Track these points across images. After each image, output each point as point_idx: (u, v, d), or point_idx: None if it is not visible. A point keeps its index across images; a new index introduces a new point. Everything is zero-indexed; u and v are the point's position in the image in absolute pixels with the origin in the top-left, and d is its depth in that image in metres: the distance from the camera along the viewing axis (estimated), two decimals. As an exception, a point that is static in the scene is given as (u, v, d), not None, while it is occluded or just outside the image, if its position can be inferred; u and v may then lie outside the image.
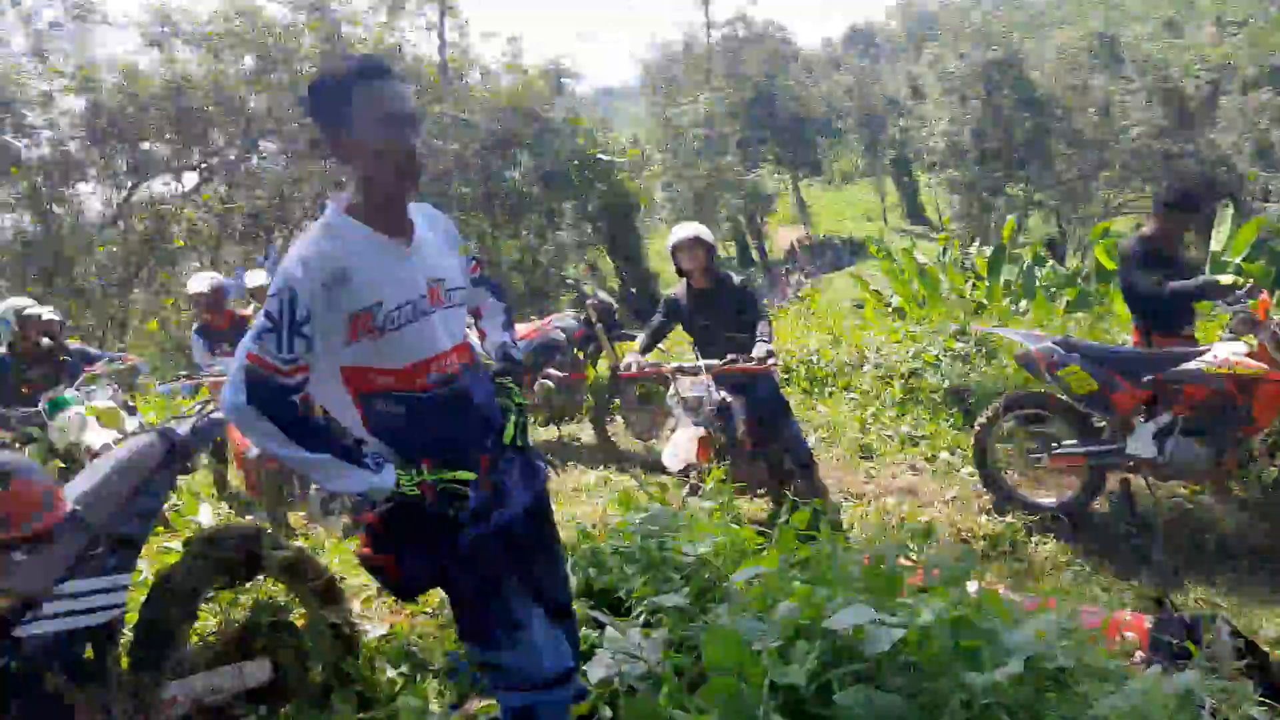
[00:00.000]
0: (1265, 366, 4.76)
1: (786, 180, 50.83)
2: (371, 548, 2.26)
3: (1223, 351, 4.93)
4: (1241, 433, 4.95)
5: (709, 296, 5.40)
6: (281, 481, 5.61)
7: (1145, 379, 5.10)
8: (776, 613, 2.41)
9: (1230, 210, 11.18)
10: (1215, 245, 10.91)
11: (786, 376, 8.38)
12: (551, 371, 7.48)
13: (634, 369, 5.44)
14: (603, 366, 8.03)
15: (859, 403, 7.48)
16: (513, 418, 2.42)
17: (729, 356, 5.10)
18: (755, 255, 42.74)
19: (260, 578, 3.09)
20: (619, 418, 7.45)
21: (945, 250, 14.57)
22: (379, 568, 2.28)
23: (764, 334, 5.17)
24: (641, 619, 3.11)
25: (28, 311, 6.38)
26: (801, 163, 51.52)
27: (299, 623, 3.13)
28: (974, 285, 11.28)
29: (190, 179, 23.25)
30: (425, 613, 3.68)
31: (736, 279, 5.51)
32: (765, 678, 2.09)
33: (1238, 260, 10.03)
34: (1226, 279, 5.00)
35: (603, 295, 7.93)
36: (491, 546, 2.27)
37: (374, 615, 3.71)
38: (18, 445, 5.63)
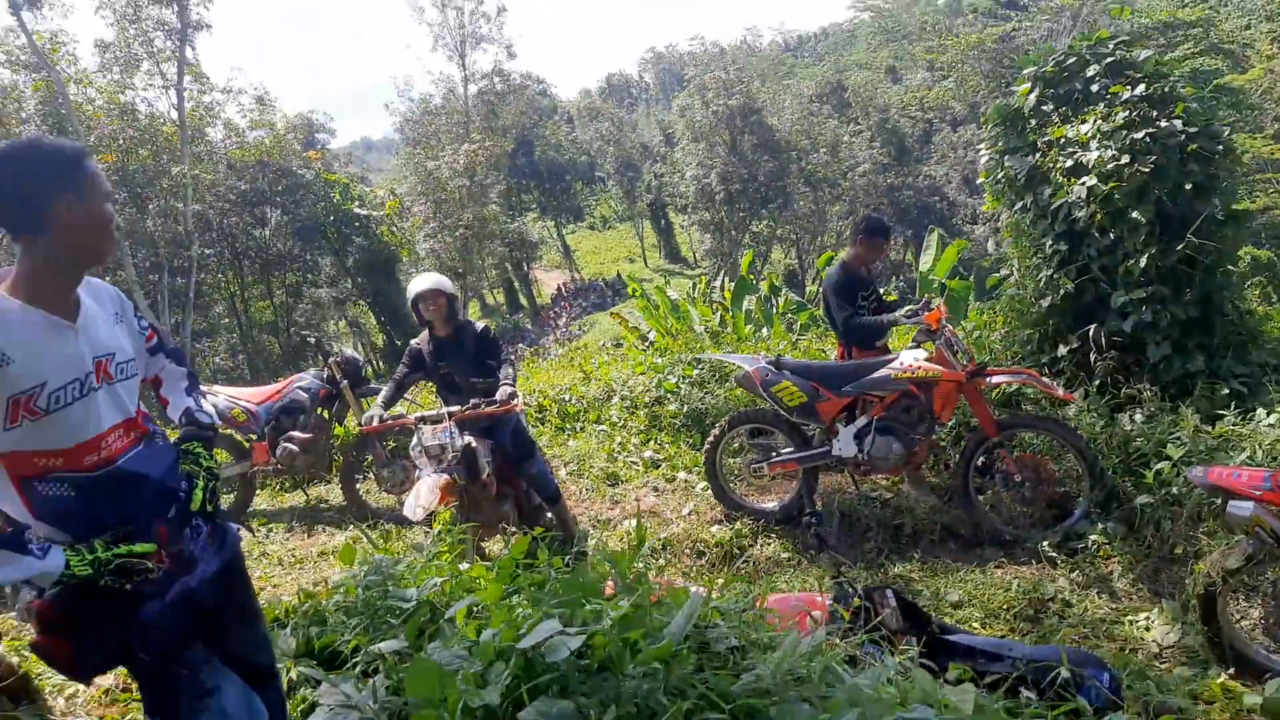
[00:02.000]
0: (940, 369, 5.42)
1: (550, 226, 51.73)
2: (45, 633, 2.13)
3: (906, 359, 5.57)
4: (927, 428, 5.60)
5: (451, 344, 5.48)
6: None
7: (844, 388, 5.68)
8: (483, 639, 2.55)
9: (936, 235, 12.56)
10: (923, 265, 12.25)
11: (540, 415, 8.56)
12: (294, 434, 7.26)
13: (375, 422, 5.42)
14: (349, 424, 7.90)
15: (607, 434, 7.77)
16: (200, 483, 2.39)
17: (472, 402, 5.20)
18: (524, 300, 43.10)
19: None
20: (371, 475, 7.34)
21: (695, 285, 15.42)
22: (48, 651, 2.16)
23: (507, 377, 5.30)
24: (358, 669, 3.11)
25: None
26: (564, 209, 52.72)
27: None
28: (721, 317, 11.97)
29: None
30: (137, 700, 3.49)
31: (479, 325, 5.62)
32: (460, 702, 2.19)
33: (943, 278, 11.29)
34: (904, 313, 5.65)
35: (348, 351, 7.77)
36: (175, 616, 2.22)
37: (80, 710, 3.49)
38: None
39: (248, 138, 24.57)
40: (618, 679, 2.24)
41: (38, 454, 2.05)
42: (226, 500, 7.58)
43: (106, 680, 3.41)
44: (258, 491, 7.81)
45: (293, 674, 3.10)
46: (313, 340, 8.76)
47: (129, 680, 3.45)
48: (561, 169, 52.72)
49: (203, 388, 7.73)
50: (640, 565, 3.48)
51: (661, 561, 5.33)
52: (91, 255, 2.14)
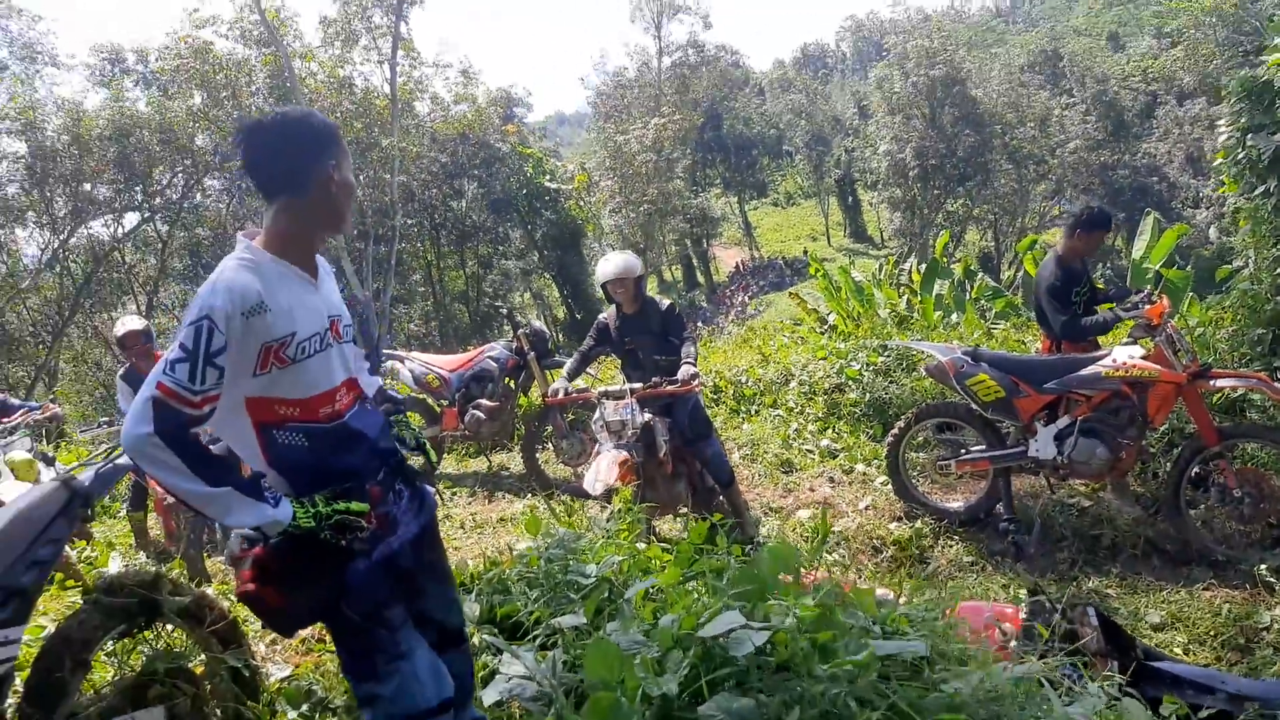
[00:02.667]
0: (1159, 368, 4.96)
1: (733, 202, 51.38)
2: (257, 581, 2.19)
3: (1120, 355, 5.13)
4: (1137, 432, 5.15)
5: (637, 321, 5.51)
6: (201, 526, 5.61)
7: (1047, 385, 5.30)
8: (661, 624, 2.54)
9: (1152, 218, 11.56)
10: (1136, 253, 11.30)
11: (716, 396, 8.50)
12: (482, 402, 7.54)
13: (560, 395, 5.55)
14: (534, 395, 8.11)
15: (783, 419, 7.62)
16: (425, 445, 2.62)
17: (654, 380, 5.21)
18: (701, 277, 43.10)
19: (161, 624, 3.06)
20: (550, 445, 7.53)
21: (881, 266, 14.88)
22: (260, 600, 2.23)
23: (689, 356, 5.27)
24: (538, 641, 3.16)
25: None
26: (748, 184, 52.17)
27: (198, 669, 3.10)
28: (908, 300, 11.50)
29: (131, 219, 23.04)
30: (331, 651, 3.69)
31: (664, 302, 5.60)
32: (640, 688, 2.17)
33: (1157, 267, 10.38)
34: (1124, 306, 5.22)
35: (535, 323, 7.98)
36: (379, 576, 2.31)
37: (278, 657, 3.73)
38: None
39: (451, 111, 25.68)
40: (801, 680, 2.16)
41: (280, 402, 2.17)
42: (416, 462, 7.98)
43: (304, 631, 3.62)
44: (444, 456, 8.18)
45: (475, 640, 3.18)
46: (504, 311, 9.03)
47: (324, 632, 3.66)
48: (749, 143, 52.19)
49: (400, 353, 8.15)
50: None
51: (835, 556, 5.17)
52: (338, 219, 2.30)
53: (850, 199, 51.00)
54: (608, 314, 5.70)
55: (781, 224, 55.03)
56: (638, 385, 5.24)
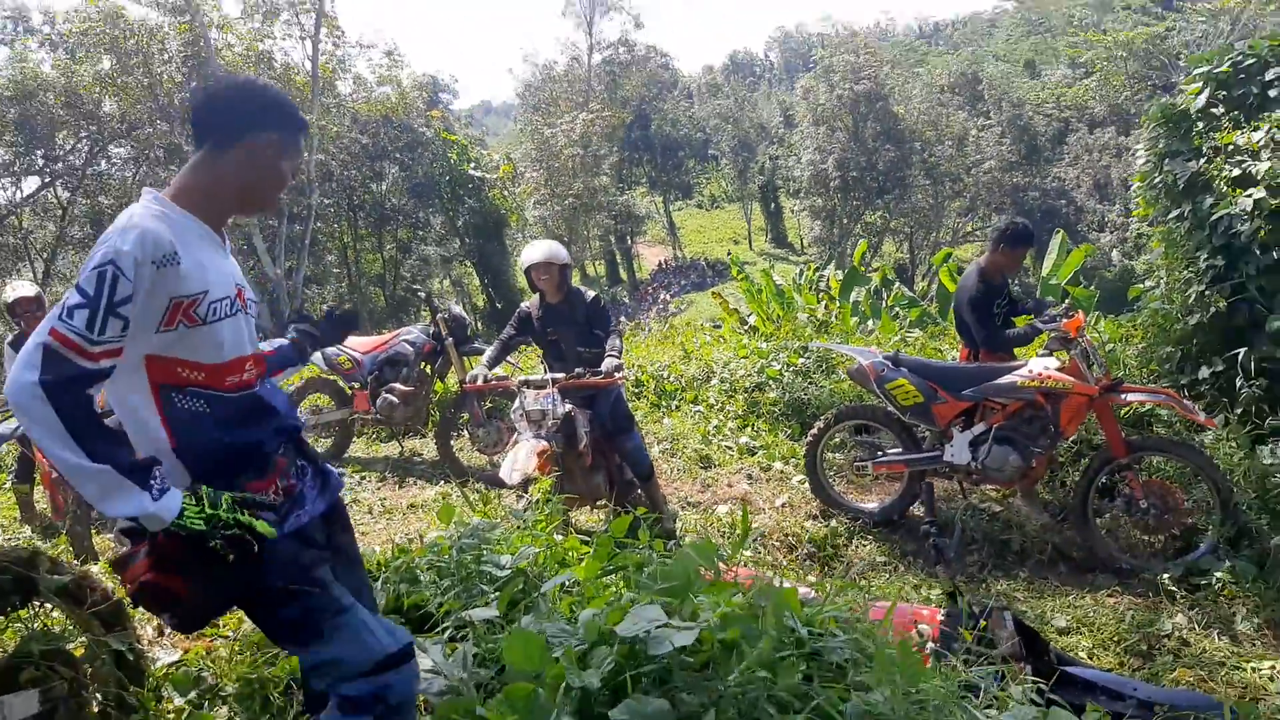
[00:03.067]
0: (1073, 380, 5.07)
1: (658, 202, 51.59)
2: (157, 570, 1.94)
3: (1036, 366, 5.23)
4: (1049, 441, 5.25)
5: (561, 310, 5.40)
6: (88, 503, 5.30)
7: (964, 392, 5.37)
8: (581, 617, 2.44)
9: (1060, 237, 11.95)
10: (1045, 269, 11.66)
11: (638, 390, 8.45)
12: (395, 386, 7.31)
13: (479, 381, 5.42)
14: (450, 381, 7.92)
15: (703, 415, 7.61)
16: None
17: (576, 370, 5.13)
18: (624, 273, 43.16)
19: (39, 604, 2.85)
20: (465, 433, 7.35)
21: (801, 272, 15.06)
22: (163, 593, 1.96)
23: (614, 348, 5.22)
24: (447, 634, 3.03)
25: None
26: (674, 185, 52.49)
27: (78, 651, 2.87)
28: (826, 306, 11.64)
29: (31, 183, 21.89)
30: (224, 636, 3.50)
31: (589, 294, 5.51)
32: (563, 681, 2.07)
33: (1064, 283, 10.72)
34: (1042, 319, 5.33)
35: (455, 309, 7.76)
36: (297, 544, 2.16)
37: (167, 641, 3.52)
38: None
39: (375, 93, 25.09)
40: (721, 681, 2.10)
41: (184, 364, 2.01)
42: (324, 445, 7.70)
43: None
44: (354, 439, 7.93)
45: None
46: (423, 295, 8.82)
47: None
48: (675, 144, 52.45)
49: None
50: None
51: (751, 553, 5.15)
52: (255, 199, 2.20)
53: (773, 205, 51.69)
54: (530, 303, 5.57)
55: (705, 226, 55.48)
56: (560, 375, 5.14)
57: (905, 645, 2.19)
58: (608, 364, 5.10)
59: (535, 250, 5.37)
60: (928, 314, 11.10)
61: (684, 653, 2.16)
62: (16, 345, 6.35)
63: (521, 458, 4.78)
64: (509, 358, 6.23)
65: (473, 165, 26.35)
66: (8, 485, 6.72)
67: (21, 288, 6.54)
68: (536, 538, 3.53)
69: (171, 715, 2.94)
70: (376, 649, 2.14)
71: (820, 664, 2.22)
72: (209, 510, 1.93)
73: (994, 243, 5.76)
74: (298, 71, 22.54)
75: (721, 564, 3.20)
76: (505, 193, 27.11)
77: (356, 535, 5.34)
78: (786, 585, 2.57)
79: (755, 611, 2.34)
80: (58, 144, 21.10)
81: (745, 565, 4.65)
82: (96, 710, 2.81)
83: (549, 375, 5.21)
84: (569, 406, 5.08)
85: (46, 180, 21.86)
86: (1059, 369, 5.14)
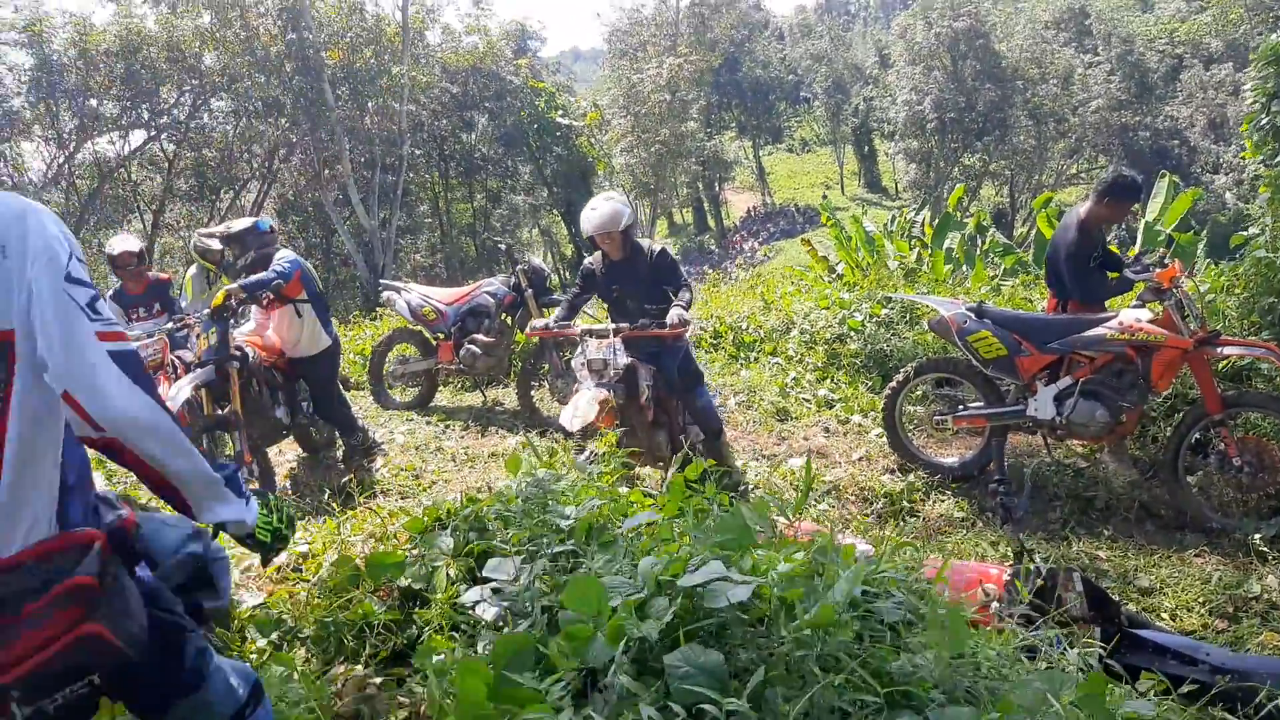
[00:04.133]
0: (1166, 333, 4.84)
1: (747, 147, 50.74)
2: (93, 617, 1.52)
3: (1127, 318, 5.01)
4: (1139, 396, 5.05)
5: (623, 268, 5.26)
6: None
7: (1050, 344, 5.19)
8: (640, 567, 2.48)
9: (1168, 180, 11.33)
10: (1150, 214, 11.09)
11: (715, 342, 8.42)
12: (478, 337, 7.44)
13: (542, 329, 5.46)
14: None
15: (781, 367, 7.54)
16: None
17: (640, 321, 5.04)
18: (711, 221, 42.77)
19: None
20: (546, 384, 7.47)
21: (894, 218, 14.68)
22: (103, 643, 1.53)
23: (682, 301, 5.06)
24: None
25: None
26: (763, 129, 51.48)
27: None
28: (918, 253, 11.34)
29: (137, 137, 22.76)
30: (306, 580, 3.64)
31: (654, 248, 5.33)
32: (621, 629, 2.12)
33: (1170, 230, 10.20)
34: (1135, 269, 5.11)
35: (535, 260, 7.84)
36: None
37: (251, 584, 3.69)
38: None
39: (463, 42, 25.22)
40: (775, 639, 2.11)
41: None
42: (410, 394, 7.91)
43: (280, 559, 3.56)
44: (439, 389, 8.13)
45: (451, 570, 3.14)
46: (504, 247, 8.90)
47: (300, 560, 3.63)
48: (766, 87, 51.35)
49: (398, 284, 8.02)
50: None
51: (824, 506, 5.12)
52: None
53: (866, 148, 50.35)
54: (593, 259, 5.43)
55: (796, 171, 54.42)
56: (623, 325, 5.05)
57: (956, 607, 2.16)
58: (672, 315, 4.92)
59: (593, 217, 5.15)
60: (1023, 262, 10.72)
61: (740, 609, 2.18)
62: (119, 299, 6.67)
63: (583, 405, 4.75)
64: (589, 313, 6.24)
65: (560, 113, 26.33)
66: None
67: (125, 241, 6.83)
68: (601, 490, 3.57)
69: (254, 655, 3.10)
70: (241, 693, 1.99)
71: (873, 623, 2.20)
72: (275, 525, 1.93)
73: (1098, 194, 5.44)
74: (388, 23, 22.76)
75: (783, 519, 3.20)
76: (592, 140, 27.05)
77: (440, 482, 5.51)
78: (845, 542, 2.56)
79: (815, 569, 2.34)
80: (161, 98, 21.81)
81: (813, 520, 4.64)
82: None
83: (611, 325, 5.09)
84: (632, 359, 5.02)
85: (152, 134, 22.68)
86: (1151, 321, 4.92)
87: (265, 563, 2.06)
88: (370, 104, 21.95)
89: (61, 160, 21.69)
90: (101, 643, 1.52)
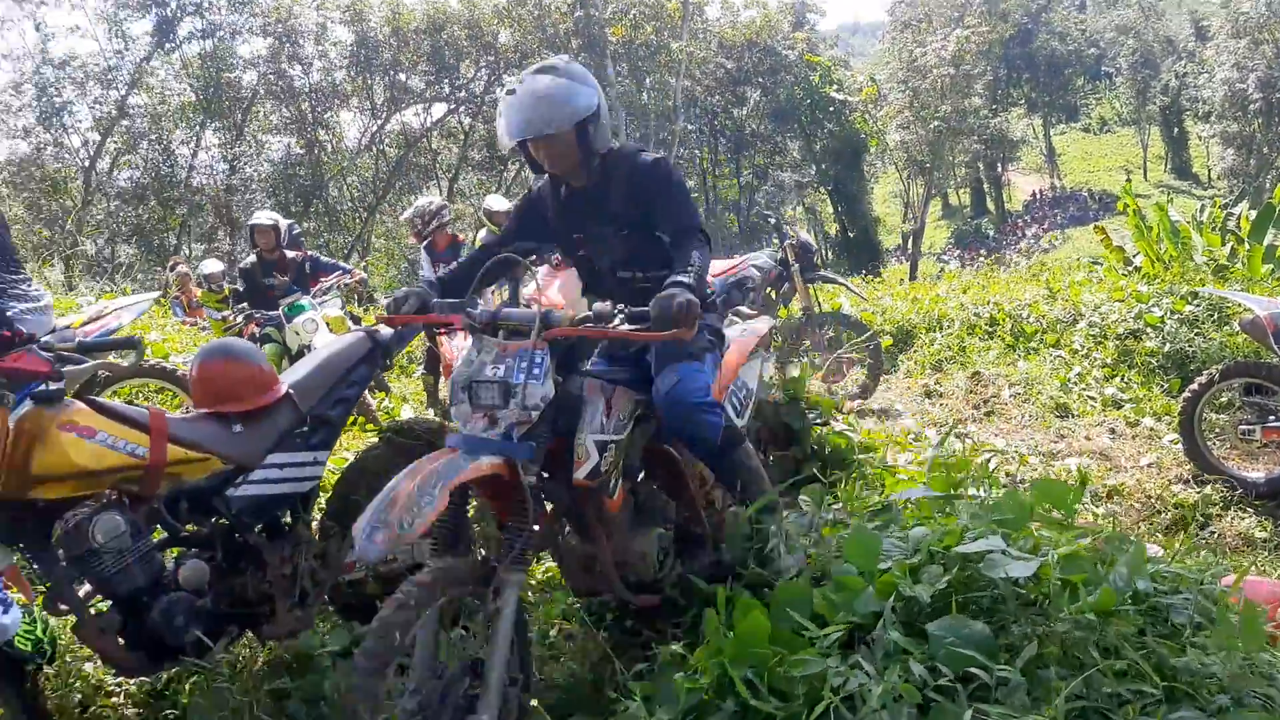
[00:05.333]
0: None
1: (1036, 125, 47.38)
2: None
3: None
4: None
5: (588, 197, 2.88)
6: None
7: (1392, 355, 4.54)
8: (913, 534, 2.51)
9: None
10: None
11: (991, 329, 8.04)
12: (740, 309, 7.50)
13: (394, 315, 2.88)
14: (794, 308, 8.00)
15: (1065, 361, 7.07)
16: None
17: (616, 309, 2.92)
18: (991, 204, 40.46)
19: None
20: (805, 360, 7.46)
21: (1204, 208, 13.24)
22: None
23: (687, 268, 2.58)
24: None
25: (253, 222, 7.37)
26: (1056, 106, 47.87)
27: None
28: (1232, 248, 10.18)
29: (438, 109, 24.82)
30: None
31: (646, 159, 2.81)
32: (893, 585, 2.17)
33: None
34: None
35: (803, 235, 7.77)
36: None
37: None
38: (256, 342, 6.40)
39: (741, 16, 25.36)
40: (1048, 619, 2.07)
41: None
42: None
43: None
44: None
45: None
46: (772, 220, 8.92)
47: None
48: (1061, 61, 47.65)
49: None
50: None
51: (1102, 510, 4.77)
52: None
53: (1175, 130, 45.52)
54: (542, 185, 3.01)
55: (1091, 153, 50.13)
56: (559, 313, 2.52)
57: (1253, 609, 1.99)
58: (664, 298, 2.34)
59: (514, 110, 2.66)
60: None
61: (1015, 585, 2.16)
62: (429, 250, 7.37)
63: (408, 495, 2.10)
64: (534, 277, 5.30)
65: (835, 88, 25.86)
66: (418, 374, 7.87)
67: (424, 205, 7.57)
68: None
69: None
70: None
71: (1156, 621, 2.10)
72: (38, 634, 2.23)
73: None
74: (669, -2, 23.33)
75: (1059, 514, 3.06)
76: (867, 116, 26.37)
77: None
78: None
79: (1100, 558, 2.28)
80: (461, 73, 23.65)
81: (1095, 519, 4.35)
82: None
83: (533, 308, 2.57)
84: (576, 383, 2.61)
85: (452, 107, 24.67)
86: None
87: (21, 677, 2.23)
88: (648, 79, 22.63)
89: (374, 129, 24.12)
90: None
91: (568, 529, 2.78)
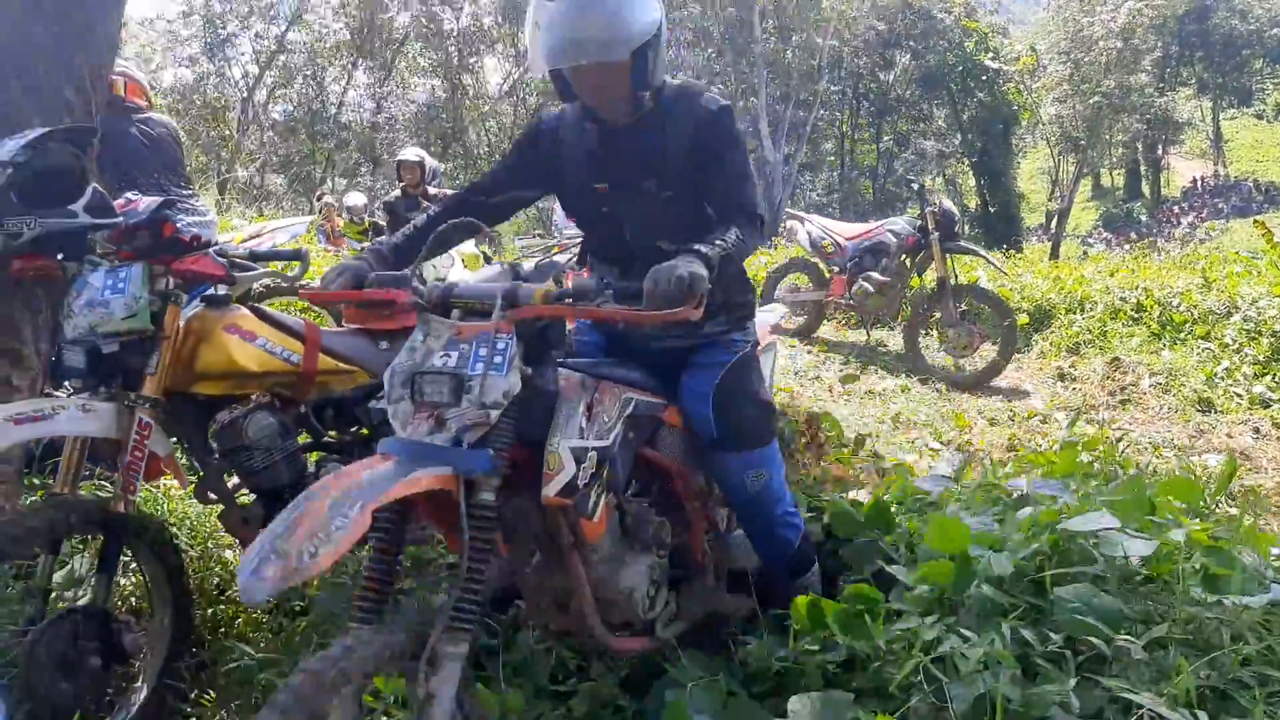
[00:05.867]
0: None
1: (1205, 108, 44.29)
2: None
3: None
4: None
5: (628, 141, 2.31)
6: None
7: None
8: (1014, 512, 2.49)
9: None
10: None
11: (1137, 315, 7.67)
12: (872, 274, 7.38)
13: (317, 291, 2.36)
14: (928, 277, 7.80)
15: (1213, 354, 6.69)
16: None
17: (603, 283, 3.27)
18: (1146, 188, 38.17)
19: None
20: (935, 332, 7.31)
21: (1389, 204, 12.17)
22: None
23: (720, 241, 1.74)
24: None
25: (400, 157, 7.82)
26: (1230, 89, 44.55)
27: None
28: None
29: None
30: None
31: (710, 103, 2.27)
32: (975, 567, 2.16)
33: None
34: None
35: (946, 203, 7.53)
36: None
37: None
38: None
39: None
40: (1175, 601, 2.03)
41: None
42: (796, 322, 8.09)
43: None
44: (825, 321, 8.25)
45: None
46: (916, 186, 8.68)
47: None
48: (1240, 41, 44.18)
49: (800, 214, 8.33)
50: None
51: (1235, 510, 4.53)
52: None
53: (1366, 120, 41.88)
54: (559, 116, 2.43)
55: (1263, 140, 46.51)
56: (526, 285, 1.91)
57: None
58: (664, 269, 1.85)
59: (557, 25, 2.06)
60: None
61: (1127, 565, 2.15)
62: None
63: (312, 523, 1.48)
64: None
65: (990, 55, 24.78)
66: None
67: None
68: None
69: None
70: None
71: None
72: None
73: None
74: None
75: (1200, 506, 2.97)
76: (1021, 87, 25.20)
77: (822, 408, 5.68)
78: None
79: (1226, 545, 2.20)
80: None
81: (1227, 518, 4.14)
82: None
83: (496, 283, 1.94)
84: (545, 377, 1.96)
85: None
86: None
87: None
88: (794, 37, 22.18)
89: (516, 77, 24.48)
90: None
91: (535, 557, 2.10)
